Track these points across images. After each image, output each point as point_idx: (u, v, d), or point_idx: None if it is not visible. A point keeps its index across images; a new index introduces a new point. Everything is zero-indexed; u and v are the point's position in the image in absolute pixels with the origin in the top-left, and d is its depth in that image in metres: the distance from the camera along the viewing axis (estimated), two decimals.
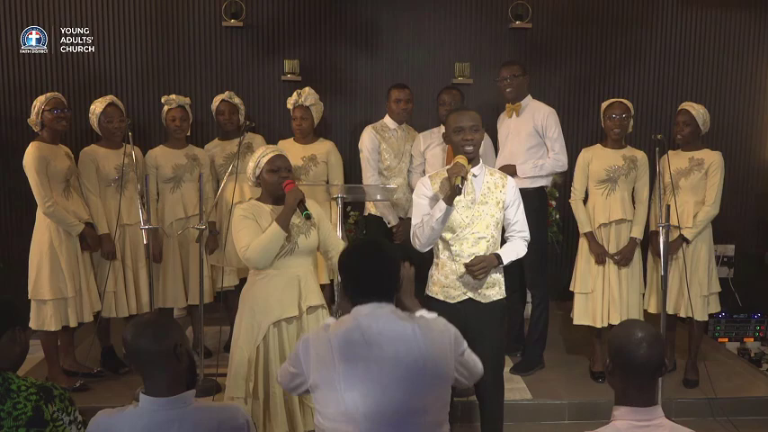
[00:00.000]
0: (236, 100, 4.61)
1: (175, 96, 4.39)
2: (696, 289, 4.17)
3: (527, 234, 3.20)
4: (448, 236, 3.09)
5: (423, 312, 2.19)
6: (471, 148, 3.04)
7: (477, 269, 3.01)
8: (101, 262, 4.13)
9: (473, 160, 3.08)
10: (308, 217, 2.96)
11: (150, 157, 4.34)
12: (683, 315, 4.20)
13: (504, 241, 3.22)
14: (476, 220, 3.07)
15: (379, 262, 2.17)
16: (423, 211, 3.14)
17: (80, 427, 2.06)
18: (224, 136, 4.61)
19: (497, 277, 3.17)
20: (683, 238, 4.14)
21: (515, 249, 3.16)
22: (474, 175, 3.10)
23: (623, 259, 4.14)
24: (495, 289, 3.16)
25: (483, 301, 3.13)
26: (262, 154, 3.06)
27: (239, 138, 4.18)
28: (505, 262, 3.11)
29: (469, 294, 3.12)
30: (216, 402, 2.78)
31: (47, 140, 3.98)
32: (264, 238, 2.92)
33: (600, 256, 4.18)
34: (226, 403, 2.05)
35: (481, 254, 3.06)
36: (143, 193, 3.92)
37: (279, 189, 3.03)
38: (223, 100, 4.57)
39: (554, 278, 4.61)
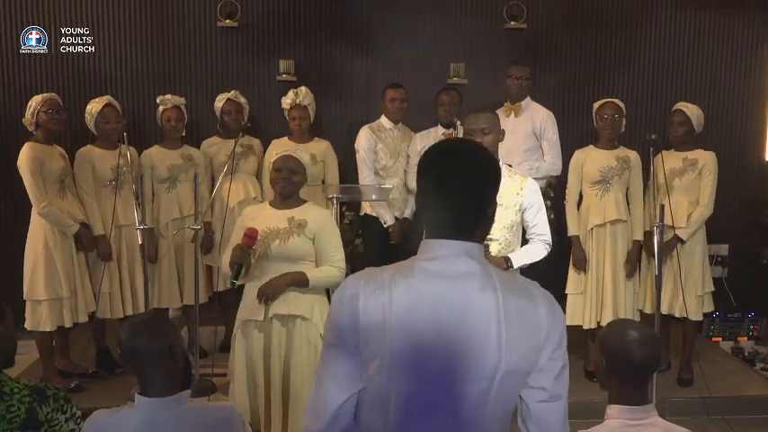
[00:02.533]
0: (242, 99, 4.62)
1: (171, 96, 4.38)
2: (691, 289, 4.19)
3: (548, 237, 3.14)
4: None
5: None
6: None
7: None
8: (96, 262, 4.13)
9: None
10: (232, 285, 3.10)
11: (145, 157, 4.33)
12: (677, 315, 4.22)
13: (525, 243, 3.17)
14: None
15: (470, 165, 1.47)
16: None
17: (78, 422, 2.07)
18: (227, 134, 4.59)
19: None
20: (677, 239, 4.16)
21: (531, 252, 3.10)
22: None
23: (632, 265, 4.17)
24: None
25: None
26: (277, 153, 3.16)
27: (239, 138, 4.19)
28: (516, 266, 3.04)
29: None
30: (211, 402, 2.79)
31: (41, 141, 3.97)
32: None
33: (581, 263, 4.19)
34: (221, 403, 2.05)
35: (492, 255, 3.00)
36: (138, 193, 3.91)
37: (277, 188, 3.06)
38: (229, 99, 4.57)
39: (548, 278, 4.61)
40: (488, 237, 2.93)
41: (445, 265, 1.44)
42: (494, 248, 3.02)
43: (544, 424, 1.48)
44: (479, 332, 1.39)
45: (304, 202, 3.12)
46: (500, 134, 3.07)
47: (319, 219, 3.04)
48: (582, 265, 4.20)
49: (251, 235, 2.89)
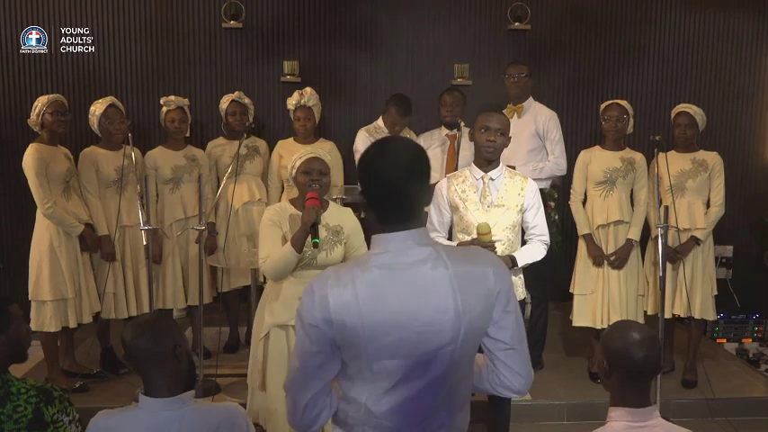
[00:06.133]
0: (246, 100, 4.62)
1: (174, 97, 4.39)
2: (708, 289, 4.20)
3: (546, 237, 3.19)
4: (464, 239, 3.07)
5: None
6: (492, 150, 3.03)
7: None
8: (100, 263, 4.14)
9: (493, 162, 3.08)
10: (316, 245, 2.85)
11: (149, 158, 4.35)
12: (696, 316, 4.19)
13: (523, 243, 3.20)
14: (491, 223, 3.02)
15: (408, 159, 1.62)
16: (433, 218, 3.15)
17: (78, 425, 2.07)
18: (232, 136, 4.60)
19: (515, 279, 3.13)
20: (695, 240, 4.15)
21: (532, 252, 3.14)
22: (491, 179, 3.09)
23: (618, 260, 4.15)
24: None
25: None
26: (299, 155, 3.02)
27: (243, 139, 4.20)
28: (520, 264, 3.08)
29: None
30: (215, 403, 2.78)
31: (46, 142, 3.98)
32: (278, 256, 2.89)
33: (598, 258, 4.18)
34: (225, 404, 2.05)
35: (497, 255, 3.02)
36: (142, 194, 3.93)
37: (305, 195, 2.96)
38: (233, 100, 4.57)
39: (552, 279, 4.61)
40: (492, 238, 2.97)
41: (397, 257, 1.60)
42: (498, 249, 3.03)
43: (511, 365, 1.69)
44: (439, 306, 1.58)
45: (327, 203, 3.12)
46: (508, 140, 3.10)
47: (349, 221, 3.09)
48: (599, 261, 4.18)
49: (315, 197, 2.88)
